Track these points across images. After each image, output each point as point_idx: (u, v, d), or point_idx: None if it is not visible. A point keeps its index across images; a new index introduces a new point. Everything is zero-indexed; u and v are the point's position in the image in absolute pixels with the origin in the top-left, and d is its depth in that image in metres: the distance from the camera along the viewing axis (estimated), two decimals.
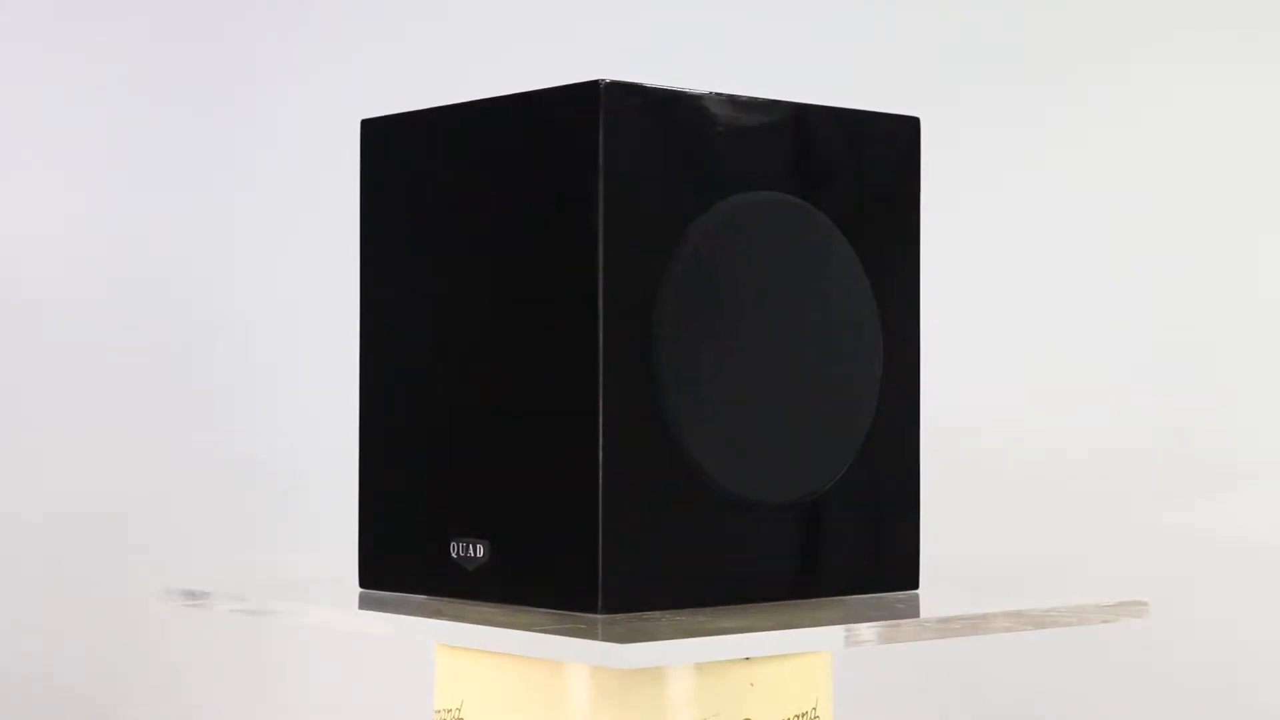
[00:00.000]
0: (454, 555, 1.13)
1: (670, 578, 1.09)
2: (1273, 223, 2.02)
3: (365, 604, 1.15)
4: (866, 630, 1.06)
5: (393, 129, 1.20)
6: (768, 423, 1.12)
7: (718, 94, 1.12)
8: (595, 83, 1.07)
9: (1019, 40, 2.03)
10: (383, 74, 1.96)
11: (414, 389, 1.17)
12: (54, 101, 1.93)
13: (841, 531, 1.17)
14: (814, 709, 1.12)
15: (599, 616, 1.05)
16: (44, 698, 1.92)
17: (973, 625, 1.12)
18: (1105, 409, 2.01)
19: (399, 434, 1.18)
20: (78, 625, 1.93)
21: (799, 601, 1.15)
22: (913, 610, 1.14)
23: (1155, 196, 2.03)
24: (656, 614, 1.07)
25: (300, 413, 1.95)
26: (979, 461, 1.99)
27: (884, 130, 1.20)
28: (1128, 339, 2.01)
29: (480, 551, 1.11)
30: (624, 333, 1.06)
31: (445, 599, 1.14)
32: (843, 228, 1.16)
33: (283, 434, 1.94)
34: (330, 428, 1.86)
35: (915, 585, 1.21)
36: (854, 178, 1.18)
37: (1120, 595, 1.18)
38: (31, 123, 1.93)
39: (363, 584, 1.20)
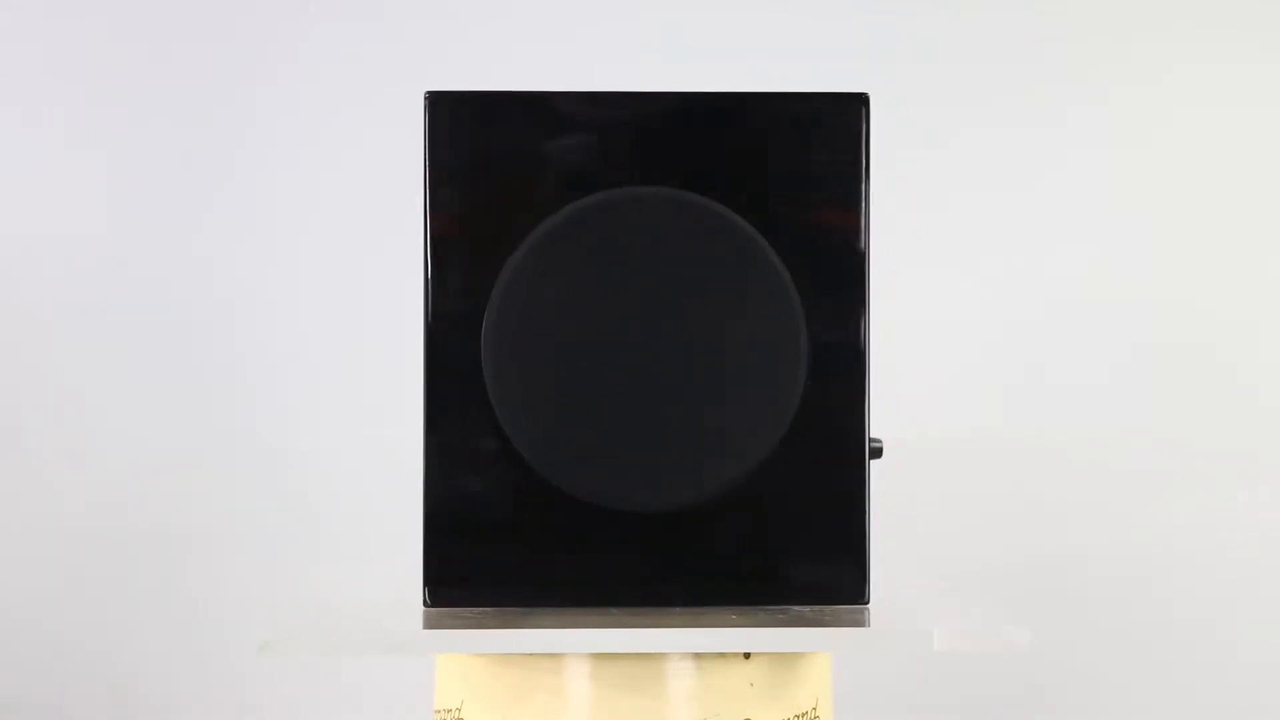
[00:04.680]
0: None
1: (508, 579, 1.11)
2: (1273, 223, 2.02)
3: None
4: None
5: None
6: (631, 429, 1.09)
7: (576, 92, 1.11)
8: (426, 94, 1.11)
9: (1020, 40, 2.03)
10: (384, 75, 1.96)
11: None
12: (51, 103, 1.94)
13: (750, 540, 1.11)
14: (814, 709, 1.11)
15: (425, 610, 1.10)
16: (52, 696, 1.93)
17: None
18: (1106, 408, 2.01)
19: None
20: (77, 627, 1.94)
21: (656, 609, 1.11)
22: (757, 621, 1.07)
23: (1155, 197, 2.03)
24: (477, 611, 1.10)
25: (301, 412, 1.95)
26: (978, 461, 1.99)
27: (820, 111, 1.11)
28: (1128, 338, 2.01)
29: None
30: (453, 344, 1.10)
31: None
32: (762, 220, 1.10)
33: (283, 432, 1.94)
34: (332, 427, 1.86)
35: (862, 598, 1.12)
36: (778, 165, 1.11)
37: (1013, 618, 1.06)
38: (31, 124, 1.93)
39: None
